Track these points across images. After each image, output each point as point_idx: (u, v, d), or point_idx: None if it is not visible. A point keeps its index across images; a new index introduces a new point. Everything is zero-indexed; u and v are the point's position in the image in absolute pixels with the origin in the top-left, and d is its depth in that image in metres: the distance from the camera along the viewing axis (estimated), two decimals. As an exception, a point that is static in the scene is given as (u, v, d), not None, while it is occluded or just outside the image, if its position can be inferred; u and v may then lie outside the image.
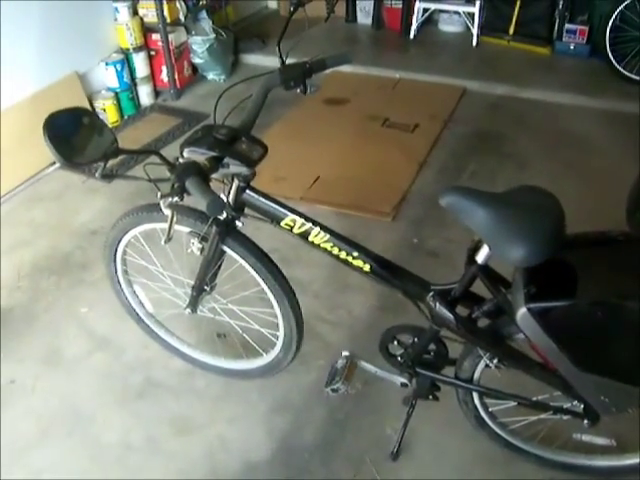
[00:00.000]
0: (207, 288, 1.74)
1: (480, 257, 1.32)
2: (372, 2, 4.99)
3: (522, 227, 1.22)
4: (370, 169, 3.19)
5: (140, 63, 3.96)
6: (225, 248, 1.61)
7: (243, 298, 1.85)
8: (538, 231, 1.21)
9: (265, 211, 1.48)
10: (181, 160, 1.21)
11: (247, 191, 1.47)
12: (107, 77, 3.84)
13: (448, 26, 4.93)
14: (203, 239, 1.60)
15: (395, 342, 1.67)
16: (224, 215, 1.52)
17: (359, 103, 3.91)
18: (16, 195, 3.25)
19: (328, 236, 1.48)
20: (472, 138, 3.53)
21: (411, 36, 4.80)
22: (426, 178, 3.14)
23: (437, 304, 1.44)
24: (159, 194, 1.20)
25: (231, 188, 1.47)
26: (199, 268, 1.69)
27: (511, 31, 4.55)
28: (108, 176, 1.17)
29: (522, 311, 1.24)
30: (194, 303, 1.78)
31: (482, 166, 3.23)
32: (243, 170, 1.36)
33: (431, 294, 1.45)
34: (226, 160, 1.33)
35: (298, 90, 1.53)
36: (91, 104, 3.74)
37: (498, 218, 1.23)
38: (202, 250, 1.62)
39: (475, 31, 4.58)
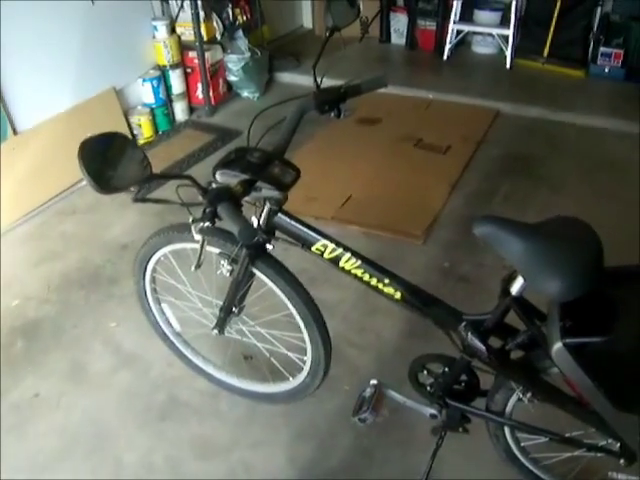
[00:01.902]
0: (235, 310, 1.73)
1: (514, 289, 1.29)
2: (406, 23, 5.00)
3: (559, 260, 1.18)
4: (402, 190, 3.16)
5: (176, 80, 4.02)
6: (255, 271, 1.60)
7: (271, 321, 1.83)
8: (576, 264, 1.17)
9: (296, 235, 1.47)
10: (214, 183, 1.20)
11: (279, 214, 1.46)
12: (143, 93, 3.91)
13: (482, 48, 4.91)
14: (233, 261, 1.59)
15: (425, 371, 1.63)
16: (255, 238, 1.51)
17: (392, 123, 3.90)
18: (49, 207, 3.31)
19: (359, 262, 1.46)
20: (505, 160, 3.48)
21: (444, 57, 4.79)
22: (458, 200, 3.10)
23: (469, 335, 1.40)
24: (191, 218, 1.19)
25: (263, 211, 1.46)
26: (228, 289, 1.68)
27: (545, 53, 4.51)
28: (141, 200, 1.16)
29: (557, 346, 1.20)
30: (222, 324, 1.77)
31: (515, 189, 3.18)
32: (275, 194, 1.36)
33: (463, 324, 1.42)
34: (258, 184, 1.33)
35: (332, 114, 1.52)
36: (127, 119, 3.80)
37: (534, 250, 1.20)
38: (231, 272, 1.61)
39: (509, 53, 4.54)
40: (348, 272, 1.49)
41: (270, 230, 1.50)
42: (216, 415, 2.04)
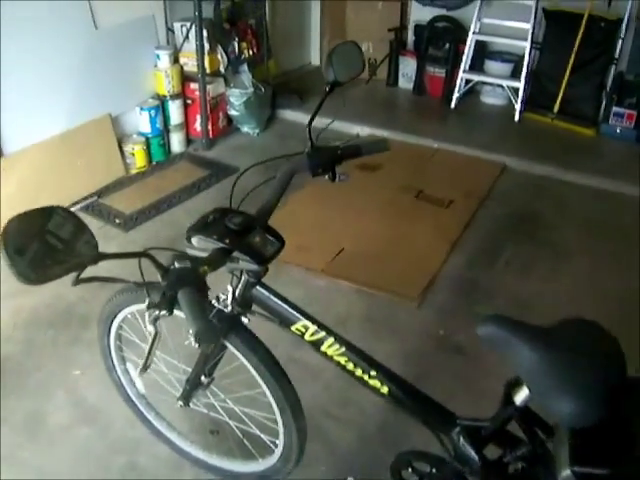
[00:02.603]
0: (204, 382, 1.55)
1: (519, 398, 1.12)
2: (415, 68, 4.91)
3: (574, 378, 1.02)
4: (399, 245, 3.01)
5: (175, 111, 3.90)
6: (226, 343, 1.43)
7: (244, 397, 1.65)
8: (593, 387, 1.01)
9: (275, 311, 1.31)
10: (177, 262, 1.04)
11: (257, 287, 1.30)
12: (140, 121, 3.78)
13: (491, 98, 4.81)
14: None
15: (410, 469, 1.45)
16: (228, 309, 1.34)
17: (393, 171, 3.77)
18: (30, 236, 3.14)
19: (343, 349, 1.30)
20: (509, 220, 3.33)
21: (452, 105, 4.69)
22: (457, 261, 2.94)
23: (462, 441, 1.23)
24: (147, 301, 1.03)
25: (239, 282, 1.30)
26: (197, 359, 1.51)
27: (555, 109, 4.40)
28: (86, 280, 1.00)
29: (566, 473, 1.03)
30: (187, 396, 1.59)
31: (517, 253, 3.02)
32: (254, 267, 1.19)
33: (457, 429, 1.25)
34: (236, 254, 1.17)
35: (326, 177, 1.37)
36: (120, 147, 3.67)
37: (546, 362, 1.03)
38: (202, 342, 1.44)
39: (518, 106, 4.44)
40: (330, 358, 1.32)
41: (246, 303, 1.34)
42: (177, 489, 1.85)
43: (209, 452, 1.81)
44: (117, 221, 3.24)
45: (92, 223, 3.26)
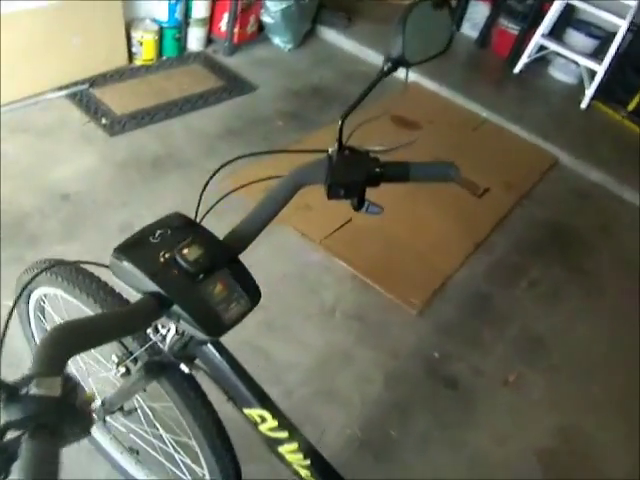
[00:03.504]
0: (124, 409, 1.18)
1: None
2: (485, 16, 4.26)
3: None
4: (414, 231, 2.57)
5: (200, 2, 3.32)
6: (156, 382, 1.05)
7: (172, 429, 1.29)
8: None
9: (226, 383, 0.91)
10: (34, 389, 0.59)
11: (208, 345, 0.89)
12: (157, 7, 3.21)
13: (560, 73, 4.20)
14: (134, 359, 1.04)
15: None
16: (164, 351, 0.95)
17: (430, 136, 3.26)
18: (2, 115, 2.69)
19: (308, 462, 0.91)
20: (545, 230, 2.87)
21: (516, 70, 4.09)
22: (476, 268, 2.52)
23: None
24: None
25: (178, 331, 0.89)
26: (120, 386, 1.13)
27: (631, 107, 3.82)
28: None
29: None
30: (102, 416, 1.23)
31: (545, 275, 2.59)
32: (201, 337, 0.78)
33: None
34: (176, 309, 0.75)
35: (349, 202, 0.93)
36: (128, 33, 3.13)
37: None
38: (127, 371, 1.06)
39: (590, 92, 3.84)
40: (286, 463, 0.93)
41: (187, 357, 0.94)
42: None
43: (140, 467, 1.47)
44: (104, 121, 2.78)
45: (76, 116, 2.80)
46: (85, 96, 2.91)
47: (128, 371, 1.04)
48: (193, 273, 0.74)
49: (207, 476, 1.12)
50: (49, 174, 2.46)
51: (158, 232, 0.78)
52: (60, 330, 0.62)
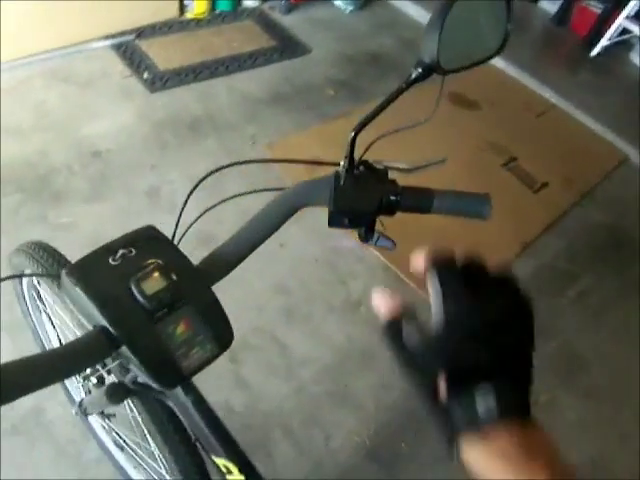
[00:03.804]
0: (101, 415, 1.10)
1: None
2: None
3: None
4: (458, 226, 2.38)
5: (259, -46, 3.13)
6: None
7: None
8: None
9: (193, 425, 0.77)
10: None
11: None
12: (213, -45, 3.05)
13: (643, 59, 3.83)
14: (108, 370, 0.93)
15: None
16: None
17: (489, 118, 3.02)
18: (43, 62, 2.61)
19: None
20: (604, 237, 2.62)
21: (593, 52, 3.74)
22: (520, 271, 2.32)
23: None
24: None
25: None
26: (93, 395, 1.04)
27: None
28: None
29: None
30: (81, 415, 1.14)
31: (597, 287, 2.37)
32: (153, 386, 0.66)
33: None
34: (125, 351, 0.63)
35: (356, 233, 0.78)
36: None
37: None
38: (100, 381, 0.95)
39: (674, 84, 3.49)
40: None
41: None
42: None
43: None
44: (146, 75, 2.67)
45: (118, 68, 2.70)
46: (130, 48, 2.80)
47: (102, 380, 0.94)
48: (150, 310, 0.61)
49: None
50: (83, 128, 2.38)
51: (120, 252, 0.65)
52: None
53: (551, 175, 2.77)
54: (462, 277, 0.47)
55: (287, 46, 3.12)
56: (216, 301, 0.66)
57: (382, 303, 0.49)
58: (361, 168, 0.73)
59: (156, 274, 0.62)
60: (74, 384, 1.33)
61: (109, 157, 2.29)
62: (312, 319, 1.95)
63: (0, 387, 0.54)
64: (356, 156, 0.72)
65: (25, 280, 1.23)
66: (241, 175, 1.98)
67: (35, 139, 2.29)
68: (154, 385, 0.64)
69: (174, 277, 0.63)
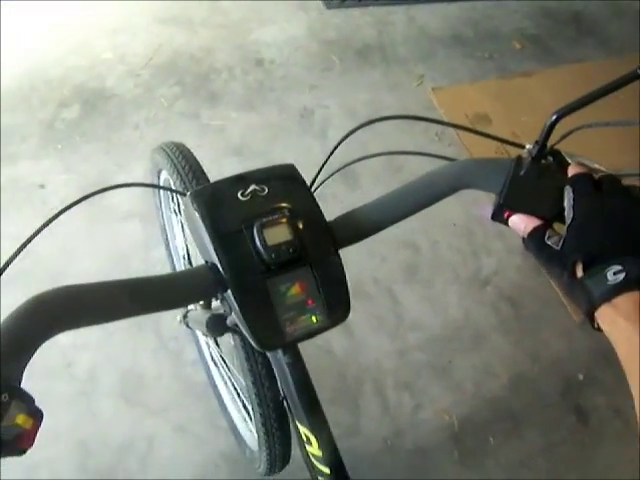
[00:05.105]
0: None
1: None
2: None
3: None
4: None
5: None
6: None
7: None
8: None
9: (285, 385, 0.70)
10: None
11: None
12: None
13: None
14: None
15: None
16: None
17: None
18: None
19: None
20: None
21: None
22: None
23: None
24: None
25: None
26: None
27: None
28: None
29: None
30: (187, 324, 1.15)
31: None
32: (254, 346, 0.59)
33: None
34: (229, 297, 0.55)
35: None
36: None
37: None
38: (208, 305, 0.93)
39: None
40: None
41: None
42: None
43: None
44: (326, -11, 2.56)
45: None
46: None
47: (208, 305, 0.91)
48: (266, 261, 0.54)
49: (255, 446, 1.00)
50: (252, 34, 2.35)
51: (252, 187, 0.57)
52: (46, 301, 0.47)
53: None
54: (592, 183, 0.55)
55: None
56: (341, 269, 0.57)
57: (521, 220, 0.58)
58: (549, 158, 0.59)
59: (283, 223, 0.55)
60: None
61: (271, 68, 2.25)
62: (433, 285, 1.84)
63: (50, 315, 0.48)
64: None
65: (162, 178, 1.23)
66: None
67: (204, 34, 2.29)
68: (250, 340, 0.58)
69: (301, 231, 0.55)
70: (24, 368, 0.43)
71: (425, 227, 1.93)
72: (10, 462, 1.29)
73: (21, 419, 0.39)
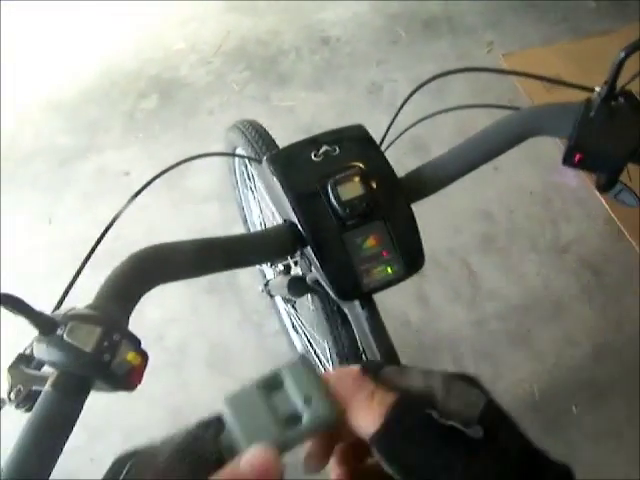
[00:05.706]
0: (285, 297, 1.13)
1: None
2: None
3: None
4: None
5: None
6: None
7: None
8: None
9: (363, 338, 0.73)
10: (67, 334, 0.44)
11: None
12: None
13: None
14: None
15: None
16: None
17: None
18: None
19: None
20: None
21: None
22: None
23: None
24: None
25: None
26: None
27: None
28: None
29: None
30: (268, 292, 1.20)
31: None
32: (332, 296, 0.62)
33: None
34: (308, 252, 0.60)
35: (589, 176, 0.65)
36: None
37: None
38: (287, 269, 0.98)
39: None
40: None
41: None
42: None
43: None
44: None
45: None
46: None
47: (288, 269, 0.95)
48: (342, 216, 0.57)
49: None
50: (317, 13, 2.36)
51: (324, 148, 0.60)
52: (143, 258, 0.52)
53: None
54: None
55: None
56: (413, 221, 0.59)
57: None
58: (621, 100, 0.58)
59: (356, 179, 0.57)
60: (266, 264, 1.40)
61: (337, 46, 2.26)
62: (510, 254, 1.81)
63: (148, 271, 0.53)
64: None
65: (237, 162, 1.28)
66: (470, 83, 1.82)
67: (269, 18, 2.33)
68: (330, 293, 0.61)
69: (374, 186, 0.58)
70: (130, 314, 0.48)
71: (500, 197, 1.89)
72: (110, 427, 1.39)
73: (131, 356, 0.44)
